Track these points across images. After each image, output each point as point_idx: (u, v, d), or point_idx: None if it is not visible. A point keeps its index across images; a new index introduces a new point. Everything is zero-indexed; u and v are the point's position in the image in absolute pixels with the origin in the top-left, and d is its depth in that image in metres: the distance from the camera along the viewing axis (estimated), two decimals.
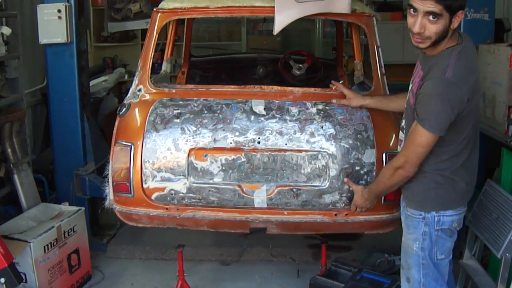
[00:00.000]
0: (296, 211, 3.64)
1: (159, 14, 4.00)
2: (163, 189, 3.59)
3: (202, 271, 4.90)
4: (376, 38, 3.97)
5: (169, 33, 4.74)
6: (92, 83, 6.51)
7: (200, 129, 3.55)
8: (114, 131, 3.82)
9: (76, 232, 4.54)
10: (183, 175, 3.56)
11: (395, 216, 3.67)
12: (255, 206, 3.60)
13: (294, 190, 3.56)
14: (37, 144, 6.12)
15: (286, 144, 3.53)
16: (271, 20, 3.80)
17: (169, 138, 3.55)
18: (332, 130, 3.53)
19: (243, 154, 3.55)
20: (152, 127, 3.59)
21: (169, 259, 4.97)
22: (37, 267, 4.14)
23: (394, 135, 3.66)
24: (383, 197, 3.59)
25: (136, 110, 3.82)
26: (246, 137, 3.54)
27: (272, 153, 3.54)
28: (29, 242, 4.09)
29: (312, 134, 3.53)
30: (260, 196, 3.57)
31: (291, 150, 3.54)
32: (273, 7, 3.73)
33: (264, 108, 3.63)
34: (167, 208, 3.65)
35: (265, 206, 3.60)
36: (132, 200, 3.69)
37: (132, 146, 3.64)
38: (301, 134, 3.53)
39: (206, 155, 3.56)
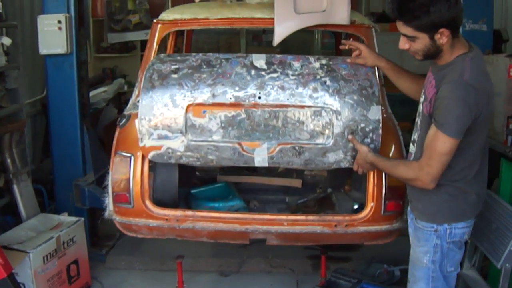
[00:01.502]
0: (296, 222, 3.64)
1: (159, 25, 4.03)
2: (159, 147, 3.49)
3: (201, 282, 4.88)
4: (375, 49, 3.98)
5: (168, 44, 4.74)
6: (91, 93, 6.51)
7: (198, 84, 3.43)
8: (114, 142, 3.83)
9: (75, 242, 4.53)
10: (180, 133, 3.45)
11: (395, 227, 3.68)
12: (256, 165, 3.51)
13: (297, 148, 3.45)
14: (36, 154, 6.12)
15: (288, 99, 3.40)
16: (271, 31, 3.82)
17: (166, 94, 3.42)
18: (336, 85, 3.43)
19: (243, 110, 3.43)
20: (149, 83, 3.45)
21: (168, 270, 4.95)
22: (36, 278, 4.12)
23: (393, 146, 3.67)
24: (382, 209, 3.59)
25: (136, 121, 3.82)
26: (247, 92, 3.41)
27: (274, 109, 3.42)
28: (28, 253, 4.09)
29: (315, 89, 3.42)
30: (261, 154, 3.47)
31: (294, 106, 3.41)
32: (273, 18, 3.75)
33: (265, 63, 3.52)
34: (167, 219, 3.65)
35: (266, 164, 3.52)
36: (132, 210, 3.69)
37: (132, 157, 3.65)
38: (303, 89, 3.42)
39: (204, 111, 3.44)
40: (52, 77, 4.99)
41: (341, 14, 3.77)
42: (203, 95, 3.41)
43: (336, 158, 3.46)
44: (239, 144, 3.46)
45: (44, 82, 5.40)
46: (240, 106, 3.42)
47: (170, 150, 3.48)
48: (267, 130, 3.45)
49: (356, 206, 4.04)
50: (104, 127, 6.75)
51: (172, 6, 6.45)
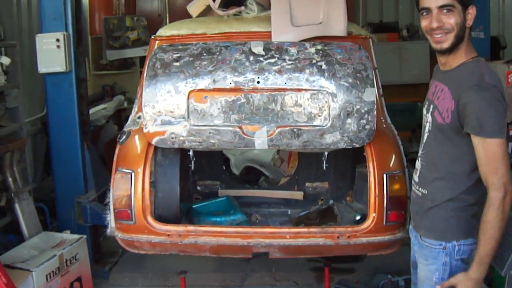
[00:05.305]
0: (298, 235, 3.64)
1: (157, 41, 4.03)
2: (163, 132, 3.59)
3: None
4: (373, 60, 3.98)
5: None
6: (91, 111, 6.52)
7: (199, 70, 3.57)
8: (115, 159, 3.83)
9: (78, 260, 4.52)
10: (183, 118, 3.56)
11: (398, 237, 3.67)
12: (256, 147, 3.62)
13: (295, 130, 3.55)
14: (37, 172, 6.12)
15: (285, 83, 3.54)
16: None
17: (169, 81, 3.56)
18: (331, 69, 3.54)
19: (243, 95, 3.56)
20: (152, 71, 3.60)
21: (172, 285, 4.93)
22: None
23: (394, 156, 3.67)
24: (385, 219, 3.57)
25: (136, 137, 3.83)
26: (246, 77, 3.55)
27: (272, 92, 3.55)
28: (31, 271, 4.07)
29: (311, 73, 3.54)
30: (260, 137, 3.57)
31: (291, 89, 3.55)
32: (270, 32, 3.76)
33: (263, 49, 3.66)
34: (169, 235, 3.65)
35: (266, 147, 3.62)
36: (133, 227, 3.68)
37: (133, 174, 3.65)
38: (300, 73, 3.54)
39: (206, 97, 3.57)
40: (51, 95, 5.00)
41: (338, 26, 3.78)
42: (204, 81, 3.56)
43: (334, 139, 3.55)
44: (240, 127, 3.57)
45: (44, 101, 5.41)
46: (239, 90, 3.56)
47: (173, 135, 3.59)
48: (266, 113, 3.57)
49: (358, 217, 4.03)
50: (105, 144, 6.75)
51: (170, 22, 6.47)
